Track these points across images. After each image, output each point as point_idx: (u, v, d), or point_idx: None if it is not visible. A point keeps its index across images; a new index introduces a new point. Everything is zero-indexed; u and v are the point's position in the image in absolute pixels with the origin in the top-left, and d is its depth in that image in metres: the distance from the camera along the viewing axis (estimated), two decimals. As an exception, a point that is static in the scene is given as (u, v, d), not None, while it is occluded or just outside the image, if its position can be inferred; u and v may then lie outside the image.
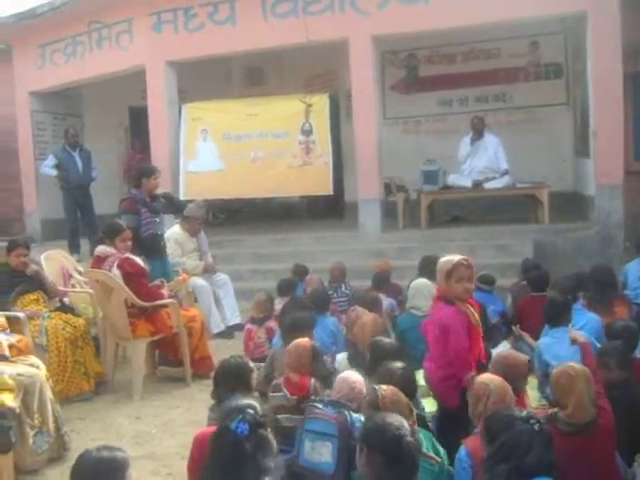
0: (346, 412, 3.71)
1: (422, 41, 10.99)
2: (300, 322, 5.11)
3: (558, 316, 4.93)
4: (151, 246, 6.56)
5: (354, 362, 4.80)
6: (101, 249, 5.87)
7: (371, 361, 4.35)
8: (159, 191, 7.24)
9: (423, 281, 5.98)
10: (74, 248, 10.09)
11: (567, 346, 4.67)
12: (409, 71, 11.95)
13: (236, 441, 2.67)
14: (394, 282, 7.31)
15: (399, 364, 3.90)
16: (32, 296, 5.86)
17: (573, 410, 3.29)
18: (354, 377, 3.96)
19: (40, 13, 10.99)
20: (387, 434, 2.66)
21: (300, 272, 7.54)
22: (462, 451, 3.26)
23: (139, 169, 7.37)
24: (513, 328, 5.98)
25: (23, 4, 11.74)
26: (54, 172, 10.59)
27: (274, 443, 2.78)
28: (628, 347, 4.25)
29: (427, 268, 6.94)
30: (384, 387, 3.42)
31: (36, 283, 5.94)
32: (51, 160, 10.69)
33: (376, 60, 9.77)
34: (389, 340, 4.73)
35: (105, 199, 11.33)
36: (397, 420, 2.76)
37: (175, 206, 7.52)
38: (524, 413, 2.95)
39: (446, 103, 11.70)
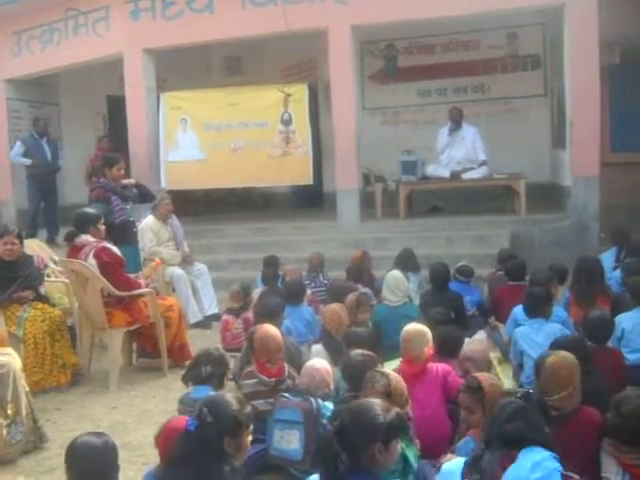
0: (312, 399, 3.75)
1: (401, 31, 10.99)
2: (268, 309, 5.15)
3: (537, 308, 4.98)
4: (123, 233, 6.54)
5: (330, 351, 4.82)
6: (83, 239, 5.81)
7: (347, 350, 4.38)
8: (129, 180, 7.32)
9: (395, 274, 6.01)
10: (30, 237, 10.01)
11: (544, 336, 4.74)
12: (388, 61, 11.95)
13: (183, 436, 2.69)
14: (368, 271, 7.34)
15: (360, 352, 3.93)
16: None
17: (567, 398, 3.30)
18: (320, 365, 4.00)
19: (15, -1, 10.84)
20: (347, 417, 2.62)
21: (272, 263, 7.56)
22: (471, 443, 3.29)
23: (104, 157, 7.40)
24: (489, 320, 6.05)
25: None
26: (27, 162, 10.56)
27: (229, 445, 2.70)
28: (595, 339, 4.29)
29: (403, 261, 7.03)
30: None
31: (34, 282, 5.82)
32: (19, 147, 10.70)
33: (355, 50, 9.77)
34: (363, 329, 4.76)
35: (81, 189, 11.21)
36: (370, 409, 2.67)
37: (146, 195, 7.52)
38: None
39: (425, 94, 11.73)
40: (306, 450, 3.69)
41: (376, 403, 2.68)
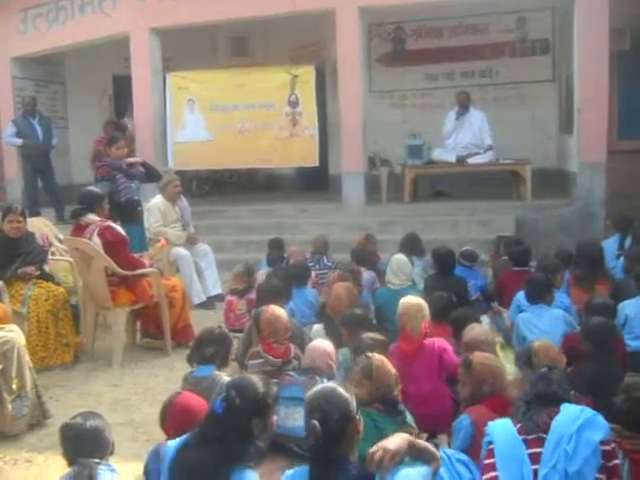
0: (317, 377, 3.76)
1: (409, 14, 10.92)
2: (274, 290, 5.16)
3: (539, 294, 4.99)
4: (129, 211, 6.54)
5: (330, 333, 4.84)
6: (88, 217, 5.81)
7: (345, 331, 4.39)
8: (136, 159, 7.34)
9: (399, 257, 6.02)
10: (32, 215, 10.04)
11: (546, 321, 4.75)
12: (396, 44, 11.88)
13: (209, 418, 2.72)
14: (374, 254, 7.35)
15: (372, 335, 3.95)
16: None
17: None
18: (322, 346, 4.01)
19: (22, -23, 10.78)
20: (309, 406, 2.65)
21: (276, 245, 7.57)
22: (465, 420, 3.30)
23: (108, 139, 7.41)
24: (492, 305, 6.05)
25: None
26: (19, 142, 10.60)
27: (253, 427, 2.70)
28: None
29: (408, 245, 7.03)
30: (376, 355, 3.44)
31: (37, 257, 5.85)
32: (11, 128, 10.74)
33: (362, 32, 9.68)
34: (358, 311, 4.77)
35: (87, 168, 11.21)
36: (336, 397, 2.64)
37: (152, 174, 7.51)
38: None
39: (432, 77, 11.66)
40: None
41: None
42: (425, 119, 10.79)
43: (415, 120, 11.00)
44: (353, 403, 2.63)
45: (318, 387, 2.75)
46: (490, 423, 2.88)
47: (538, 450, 2.74)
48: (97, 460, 2.79)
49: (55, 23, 11.10)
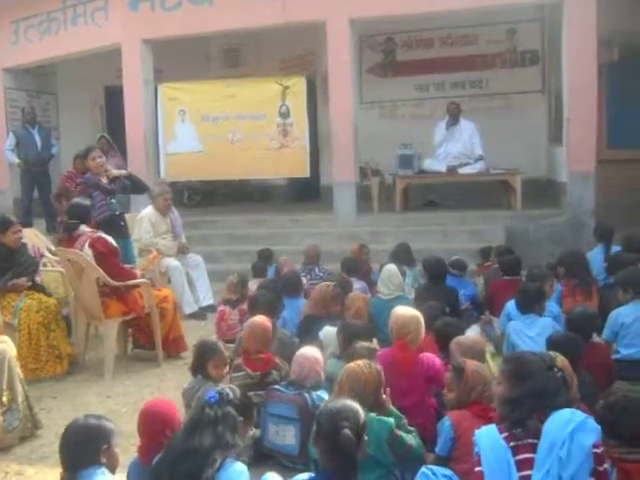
0: (305, 393, 3.78)
1: (400, 25, 10.99)
2: (262, 302, 5.20)
3: (530, 304, 5.03)
4: (107, 228, 6.44)
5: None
6: (79, 229, 5.82)
7: (343, 341, 4.41)
8: (120, 171, 7.30)
9: (389, 267, 6.05)
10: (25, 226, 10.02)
11: (537, 330, 4.78)
12: (386, 55, 11.95)
13: (202, 406, 2.86)
14: (366, 263, 7.38)
15: (366, 345, 3.97)
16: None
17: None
18: (310, 354, 4.02)
19: (14, -12, 10.81)
20: (329, 421, 2.73)
21: (265, 256, 7.61)
22: (446, 422, 3.34)
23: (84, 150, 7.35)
24: (482, 316, 6.08)
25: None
26: (16, 160, 10.61)
27: (240, 423, 2.88)
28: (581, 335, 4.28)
29: (399, 255, 7.07)
30: (469, 360, 3.53)
31: (29, 268, 5.85)
32: (11, 139, 10.75)
33: (353, 43, 9.76)
34: (360, 321, 4.79)
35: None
36: (349, 409, 2.79)
37: (138, 186, 7.44)
38: (547, 361, 3.18)
39: (423, 88, 11.73)
40: (302, 445, 3.72)
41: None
42: (416, 129, 10.83)
43: (406, 130, 11.03)
44: (362, 420, 2.80)
45: (336, 402, 2.88)
46: (477, 431, 2.89)
47: (528, 456, 2.75)
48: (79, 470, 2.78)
49: (47, 34, 11.12)
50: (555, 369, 3.15)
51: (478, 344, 4.14)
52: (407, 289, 6.40)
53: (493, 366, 4.93)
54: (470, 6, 8.97)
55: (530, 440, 2.77)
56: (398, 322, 4.22)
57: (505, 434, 2.82)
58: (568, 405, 2.92)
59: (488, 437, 2.84)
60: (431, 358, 4.09)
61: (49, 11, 11.01)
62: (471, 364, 3.48)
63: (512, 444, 2.79)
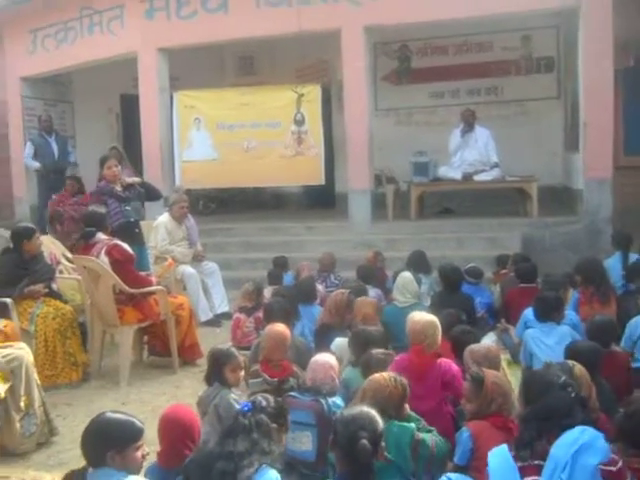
0: (322, 400, 3.76)
1: (415, 33, 10.99)
2: (277, 309, 5.19)
3: (548, 312, 4.99)
4: (122, 235, 6.48)
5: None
6: (96, 237, 5.86)
7: (356, 349, 4.39)
8: (134, 179, 7.34)
9: (404, 275, 6.03)
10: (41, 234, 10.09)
11: (555, 338, 4.74)
12: (401, 62, 11.96)
13: (236, 415, 2.91)
14: (382, 271, 7.37)
15: (381, 351, 3.95)
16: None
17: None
18: (324, 360, 4.01)
19: (31, -2, 10.91)
20: (346, 430, 2.75)
21: (280, 264, 7.61)
22: (465, 433, 3.32)
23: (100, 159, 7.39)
24: (498, 324, 6.04)
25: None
26: (36, 164, 10.69)
27: (273, 430, 2.95)
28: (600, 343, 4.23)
29: (414, 262, 7.05)
30: (489, 370, 3.50)
31: (45, 275, 5.91)
32: (30, 148, 10.87)
33: (368, 51, 9.76)
34: (375, 328, 4.76)
35: (92, 185, 11.22)
36: (365, 417, 2.81)
37: (152, 193, 7.49)
38: (562, 379, 3.08)
39: (438, 95, 11.73)
40: (319, 452, 3.70)
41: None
42: (431, 137, 10.81)
43: (421, 138, 11.03)
44: (381, 428, 2.82)
45: (353, 409, 2.91)
46: (489, 453, 2.85)
47: (534, 478, 2.71)
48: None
49: (64, 43, 11.21)
50: (569, 388, 3.05)
51: (492, 352, 4.11)
52: (423, 297, 6.37)
53: (510, 374, 4.91)
54: (485, 13, 8.94)
55: (536, 462, 2.74)
56: (415, 327, 4.20)
57: (513, 454, 2.79)
58: (584, 423, 2.85)
59: (499, 456, 2.80)
60: (448, 363, 4.07)
61: (66, 20, 11.10)
62: (490, 375, 3.44)
63: (519, 464, 2.76)
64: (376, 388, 3.35)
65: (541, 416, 2.87)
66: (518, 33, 11.11)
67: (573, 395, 3.01)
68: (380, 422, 2.83)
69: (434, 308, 5.72)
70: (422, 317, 4.30)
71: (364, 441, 2.67)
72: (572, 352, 3.92)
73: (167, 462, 3.17)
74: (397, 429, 3.25)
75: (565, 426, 2.80)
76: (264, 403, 3.01)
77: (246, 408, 2.95)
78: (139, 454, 2.76)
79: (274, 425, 2.96)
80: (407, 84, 11.91)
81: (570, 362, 3.45)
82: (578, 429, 2.76)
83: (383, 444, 2.81)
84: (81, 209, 8.07)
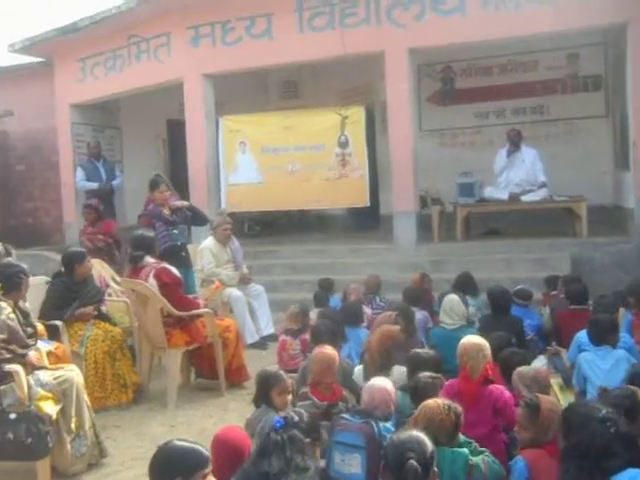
0: (372, 422, 3.72)
1: (458, 53, 10.97)
2: (324, 331, 5.16)
3: (603, 336, 4.85)
4: (169, 259, 6.54)
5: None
6: (144, 260, 5.94)
7: (409, 372, 4.34)
8: (182, 203, 7.39)
9: (451, 297, 5.96)
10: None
11: (610, 362, 4.60)
12: (445, 83, 11.94)
13: (268, 432, 2.88)
14: (428, 293, 7.29)
15: (429, 374, 3.90)
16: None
17: None
18: (383, 384, 3.95)
19: (81, 27, 11.17)
20: (395, 453, 2.71)
21: (326, 286, 7.58)
22: (520, 462, 3.22)
23: (149, 183, 7.45)
24: (549, 347, 5.90)
25: (65, 18, 11.97)
26: (94, 185, 10.88)
27: (308, 445, 2.92)
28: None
29: (461, 284, 6.96)
30: (545, 397, 3.45)
31: (95, 298, 6.01)
32: (80, 173, 11.15)
33: (412, 72, 9.77)
34: (425, 351, 4.71)
35: (140, 210, 11.40)
36: (414, 440, 2.76)
37: (198, 218, 7.56)
38: (602, 412, 2.90)
39: (482, 115, 11.66)
40: (368, 474, 3.65)
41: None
42: (476, 157, 10.75)
43: (466, 158, 10.97)
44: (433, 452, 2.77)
45: (402, 433, 2.86)
46: None
47: None
48: None
49: (112, 71, 11.49)
50: (608, 423, 2.84)
51: (541, 374, 4.02)
52: (471, 319, 6.28)
53: (562, 399, 4.78)
54: (530, 32, 8.87)
55: None
56: (459, 350, 4.16)
57: None
58: (635, 464, 2.70)
59: None
60: (499, 389, 3.98)
61: (114, 48, 11.38)
62: (546, 401, 3.36)
63: None
64: (428, 417, 3.29)
65: (578, 453, 2.74)
66: (564, 51, 11.01)
67: (613, 430, 2.83)
68: (430, 445, 2.77)
69: (483, 331, 5.63)
70: (468, 339, 4.25)
71: (412, 461, 2.63)
72: (634, 376, 3.79)
73: None
74: (450, 455, 3.18)
75: (611, 468, 2.63)
76: (296, 418, 2.97)
77: (278, 424, 2.90)
78: None
79: (307, 440, 2.92)
80: (451, 105, 11.87)
81: (632, 387, 3.33)
82: (633, 472, 2.60)
83: (435, 469, 2.75)
84: (96, 239, 8.15)
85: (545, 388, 3.87)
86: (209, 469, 2.72)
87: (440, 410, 3.30)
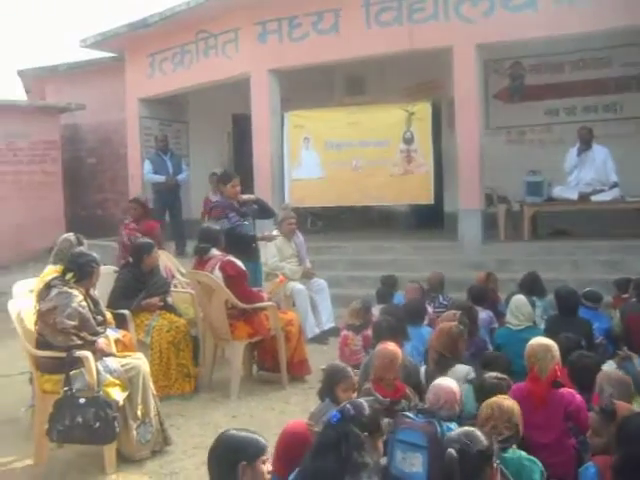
0: (436, 422, 3.67)
1: (528, 50, 10.72)
2: (386, 328, 5.12)
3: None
4: (243, 247, 6.61)
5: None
6: (212, 252, 6.01)
7: (478, 370, 4.28)
8: (249, 196, 7.43)
9: (518, 297, 5.84)
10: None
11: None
12: (514, 80, 11.69)
13: (325, 427, 2.86)
14: (494, 292, 7.16)
15: (494, 374, 3.84)
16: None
17: None
18: (449, 384, 3.90)
19: (151, 23, 11.40)
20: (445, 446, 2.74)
21: (389, 283, 7.50)
22: (591, 469, 3.14)
23: (219, 176, 7.53)
24: (619, 352, 5.72)
25: (135, 15, 12.22)
26: (162, 178, 11.08)
27: (366, 439, 2.84)
28: None
29: (528, 284, 6.80)
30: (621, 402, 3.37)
31: (161, 289, 6.13)
32: (148, 165, 11.35)
33: (480, 68, 9.61)
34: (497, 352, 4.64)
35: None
36: (463, 434, 2.79)
37: (265, 211, 7.59)
38: None
39: (552, 113, 11.36)
40: (430, 475, 3.61)
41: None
42: (545, 155, 10.51)
43: (534, 156, 10.72)
44: (493, 449, 2.69)
45: (459, 429, 2.87)
46: None
47: None
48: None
49: (180, 66, 11.69)
50: None
51: (626, 379, 3.88)
52: (537, 320, 6.14)
53: (637, 407, 4.63)
54: (604, 27, 8.60)
55: None
56: (527, 351, 4.08)
57: None
58: None
59: None
60: (571, 393, 3.88)
61: (183, 44, 11.57)
62: (623, 408, 3.25)
63: None
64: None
65: (629, 468, 2.65)
66: (639, 48, 10.64)
67: None
68: (484, 440, 2.75)
69: (549, 333, 5.50)
70: (536, 340, 4.18)
71: (451, 450, 2.64)
72: None
73: (280, 471, 3.25)
74: (528, 463, 3.12)
75: None
76: (352, 412, 2.90)
77: (335, 419, 2.85)
78: (265, 468, 2.75)
79: (365, 434, 2.86)
80: (520, 102, 11.61)
81: None
82: None
83: (495, 465, 2.69)
84: (134, 236, 7.86)
85: (628, 393, 3.73)
86: (267, 456, 2.77)
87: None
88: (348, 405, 2.96)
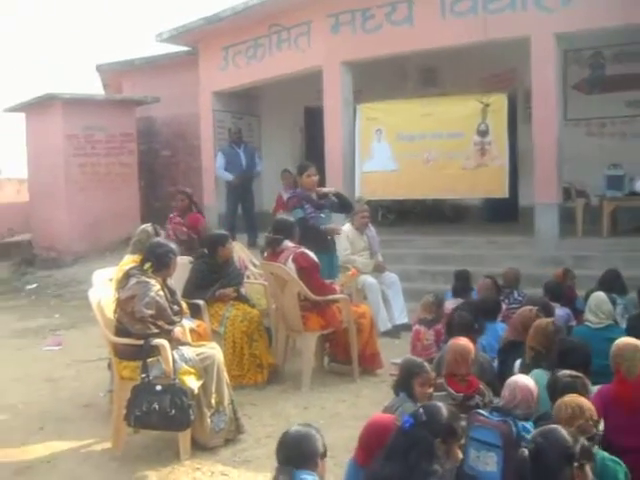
0: (511, 421, 3.59)
1: (609, 39, 10.31)
2: (458, 323, 5.06)
3: None
4: (317, 239, 6.59)
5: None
6: (283, 244, 6.03)
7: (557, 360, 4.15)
8: (329, 189, 7.38)
9: (598, 294, 5.64)
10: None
11: None
12: (594, 70, 11.30)
13: (397, 433, 2.83)
14: (571, 289, 6.96)
15: (569, 373, 3.71)
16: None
17: None
18: (526, 382, 3.80)
19: (224, 17, 11.53)
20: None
21: (463, 277, 7.37)
22: None
23: (297, 168, 7.54)
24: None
25: (209, 9, 12.38)
26: (230, 177, 11.23)
27: (438, 445, 2.81)
28: None
29: (608, 281, 6.58)
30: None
31: (235, 280, 6.20)
32: (221, 158, 11.47)
33: (558, 58, 9.32)
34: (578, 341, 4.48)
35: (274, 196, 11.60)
36: (538, 434, 2.74)
37: (344, 205, 7.53)
38: None
39: (635, 104, 10.91)
40: (504, 474, 3.53)
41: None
42: (626, 148, 10.15)
43: (615, 149, 10.37)
44: (576, 448, 2.57)
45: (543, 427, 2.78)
46: None
47: None
48: (295, 468, 2.80)
49: (253, 60, 11.79)
50: None
51: None
52: (618, 319, 5.94)
53: None
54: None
55: None
56: (613, 351, 3.91)
57: None
58: None
59: None
60: None
61: (256, 37, 11.66)
62: None
63: None
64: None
65: None
66: None
67: None
68: (569, 440, 2.66)
69: (631, 331, 5.30)
70: (622, 340, 4.02)
71: (523, 450, 2.60)
72: None
73: (362, 460, 3.24)
74: (612, 464, 3.02)
75: None
76: (424, 418, 2.84)
77: (407, 424, 2.81)
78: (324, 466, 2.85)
79: (438, 439, 2.80)
80: (600, 93, 11.20)
81: None
82: None
83: (584, 465, 2.60)
84: (180, 230, 7.85)
85: None
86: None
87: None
88: (421, 410, 2.92)
